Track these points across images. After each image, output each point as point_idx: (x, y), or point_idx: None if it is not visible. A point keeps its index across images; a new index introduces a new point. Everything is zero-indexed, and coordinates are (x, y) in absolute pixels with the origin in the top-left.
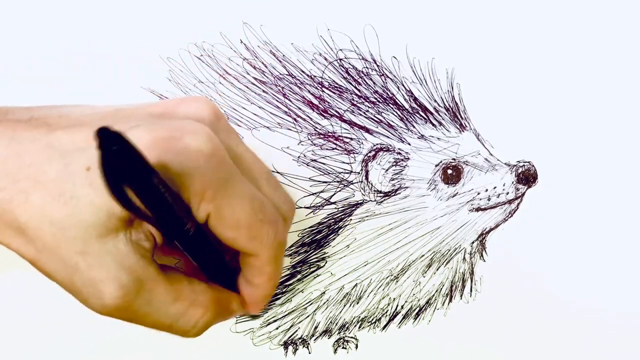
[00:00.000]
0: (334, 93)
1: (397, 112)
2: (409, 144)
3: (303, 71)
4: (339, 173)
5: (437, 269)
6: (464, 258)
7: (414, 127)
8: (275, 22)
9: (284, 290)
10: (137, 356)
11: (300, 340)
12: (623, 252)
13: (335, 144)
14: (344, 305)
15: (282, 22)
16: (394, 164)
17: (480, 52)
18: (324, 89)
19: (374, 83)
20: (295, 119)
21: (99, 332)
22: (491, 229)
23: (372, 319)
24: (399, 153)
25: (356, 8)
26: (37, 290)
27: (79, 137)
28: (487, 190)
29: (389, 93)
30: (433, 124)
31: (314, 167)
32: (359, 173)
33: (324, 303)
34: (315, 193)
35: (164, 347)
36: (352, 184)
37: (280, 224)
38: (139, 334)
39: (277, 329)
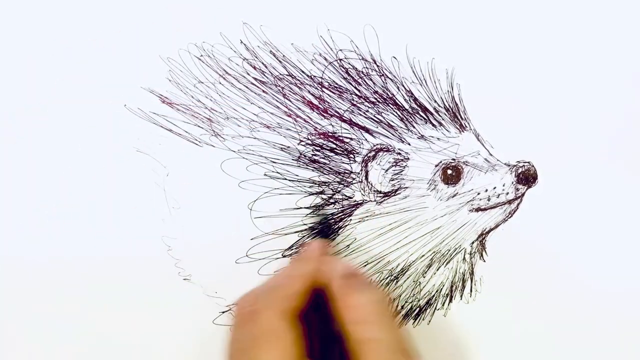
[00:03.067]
0: (334, 93)
1: (397, 112)
2: (409, 144)
3: (303, 71)
4: (339, 173)
5: (437, 269)
6: (464, 258)
7: (414, 127)
8: (275, 22)
9: None
10: (133, 352)
11: None
12: (623, 251)
13: (335, 144)
14: None
15: (282, 22)
16: (394, 164)
17: (480, 52)
18: (324, 89)
19: (374, 83)
20: (295, 119)
21: (96, 333)
22: (491, 229)
23: None
24: (399, 153)
25: (356, 8)
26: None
27: None
28: (487, 190)
29: (388, 93)
30: (433, 124)
31: (314, 167)
32: (359, 173)
33: None
34: (315, 193)
35: (164, 347)
36: (352, 184)
37: None
38: (135, 333)
39: None
